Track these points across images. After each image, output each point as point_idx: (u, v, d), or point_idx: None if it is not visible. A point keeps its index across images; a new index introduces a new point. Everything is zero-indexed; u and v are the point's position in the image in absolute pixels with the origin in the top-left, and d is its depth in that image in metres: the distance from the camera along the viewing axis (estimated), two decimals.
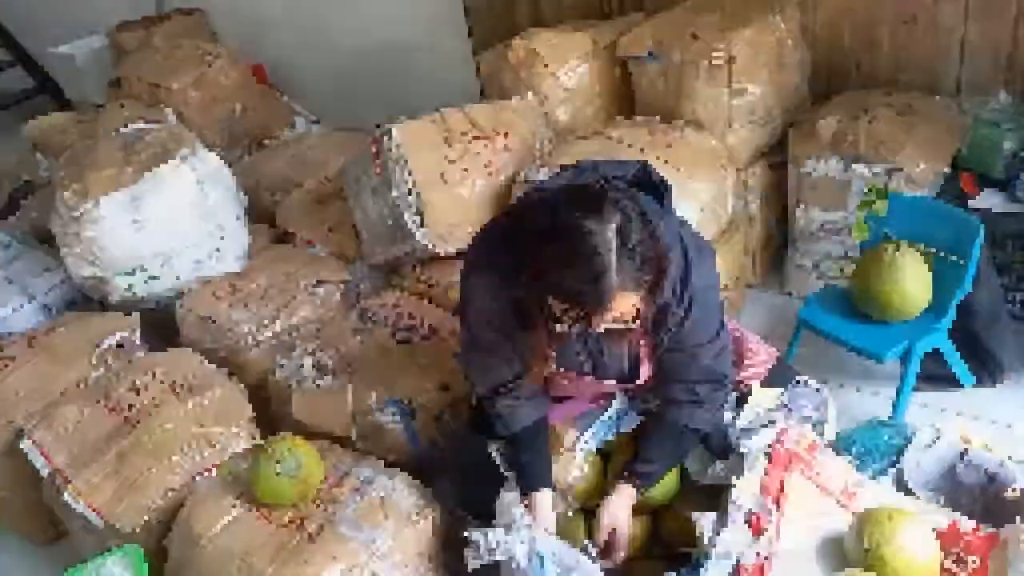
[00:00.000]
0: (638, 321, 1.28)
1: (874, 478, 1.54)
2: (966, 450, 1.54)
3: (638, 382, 1.52)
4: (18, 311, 2.47)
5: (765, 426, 1.48)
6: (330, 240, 2.52)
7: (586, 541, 1.47)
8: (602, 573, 1.39)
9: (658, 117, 2.32)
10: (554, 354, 1.44)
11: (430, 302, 2.28)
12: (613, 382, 1.53)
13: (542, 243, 1.23)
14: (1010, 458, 1.51)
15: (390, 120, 2.18)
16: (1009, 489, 1.45)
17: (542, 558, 1.33)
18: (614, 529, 1.48)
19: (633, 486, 1.51)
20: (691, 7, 2.45)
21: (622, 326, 1.28)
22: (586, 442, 1.60)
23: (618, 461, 1.60)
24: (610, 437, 1.60)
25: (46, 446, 1.84)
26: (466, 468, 1.76)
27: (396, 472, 1.70)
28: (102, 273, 2.26)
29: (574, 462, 1.59)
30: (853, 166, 2.21)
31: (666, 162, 2.02)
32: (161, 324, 2.42)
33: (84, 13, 4.69)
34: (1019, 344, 2.13)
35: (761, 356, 1.66)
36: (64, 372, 2.06)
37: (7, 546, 2.18)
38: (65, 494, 1.75)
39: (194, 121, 3.11)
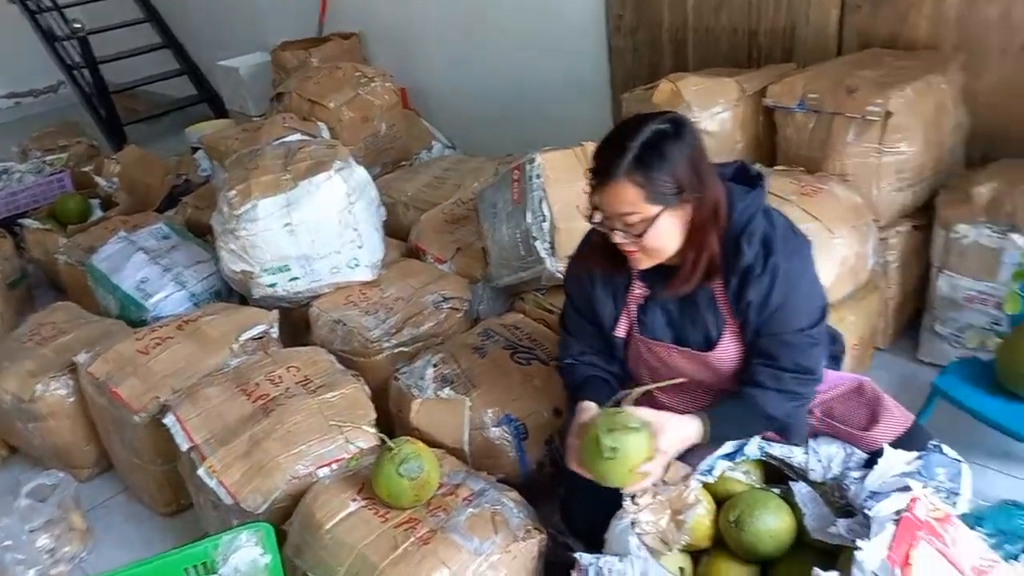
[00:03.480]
0: (641, 227, 1.37)
1: (1006, 560, 1.45)
2: None
3: (716, 354, 1.52)
4: (170, 297, 2.67)
5: (897, 491, 1.42)
6: (458, 259, 2.62)
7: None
8: None
9: (801, 169, 2.29)
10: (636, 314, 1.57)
11: (549, 328, 2.32)
12: (691, 354, 1.55)
13: None
14: None
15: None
16: None
17: None
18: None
19: (701, 422, 1.48)
20: (850, 61, 2.41)
21: (621, 227, 1.39)
22: (700, 474, 1.57)
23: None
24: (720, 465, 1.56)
25: (188, 423, 1.97)
26: (573, 494, 1.77)
27: (507, 489, 1.72)
28: (251, 269, 2.42)
29: (687, 493, 1.56)
30: (1009, 235, 2.10)
31: (809, 214, 1.99)
32: (291, 322, 2.57)
33: (251, 31, 5.10)
34: None
35: (896, 416, 1.61)
36: (208, 357, 2.19)
37: (133, 513, 2.32)
38: (200, 470, 1.86)
39: (343, 137, 3.30)
